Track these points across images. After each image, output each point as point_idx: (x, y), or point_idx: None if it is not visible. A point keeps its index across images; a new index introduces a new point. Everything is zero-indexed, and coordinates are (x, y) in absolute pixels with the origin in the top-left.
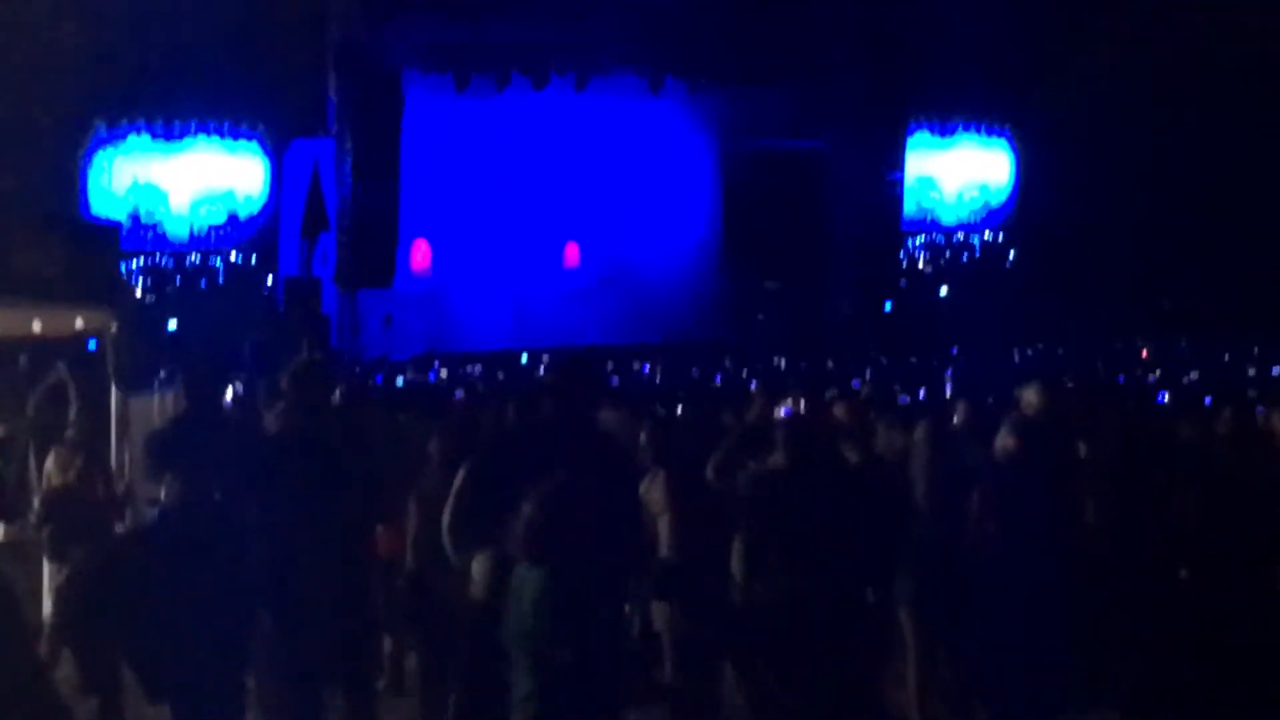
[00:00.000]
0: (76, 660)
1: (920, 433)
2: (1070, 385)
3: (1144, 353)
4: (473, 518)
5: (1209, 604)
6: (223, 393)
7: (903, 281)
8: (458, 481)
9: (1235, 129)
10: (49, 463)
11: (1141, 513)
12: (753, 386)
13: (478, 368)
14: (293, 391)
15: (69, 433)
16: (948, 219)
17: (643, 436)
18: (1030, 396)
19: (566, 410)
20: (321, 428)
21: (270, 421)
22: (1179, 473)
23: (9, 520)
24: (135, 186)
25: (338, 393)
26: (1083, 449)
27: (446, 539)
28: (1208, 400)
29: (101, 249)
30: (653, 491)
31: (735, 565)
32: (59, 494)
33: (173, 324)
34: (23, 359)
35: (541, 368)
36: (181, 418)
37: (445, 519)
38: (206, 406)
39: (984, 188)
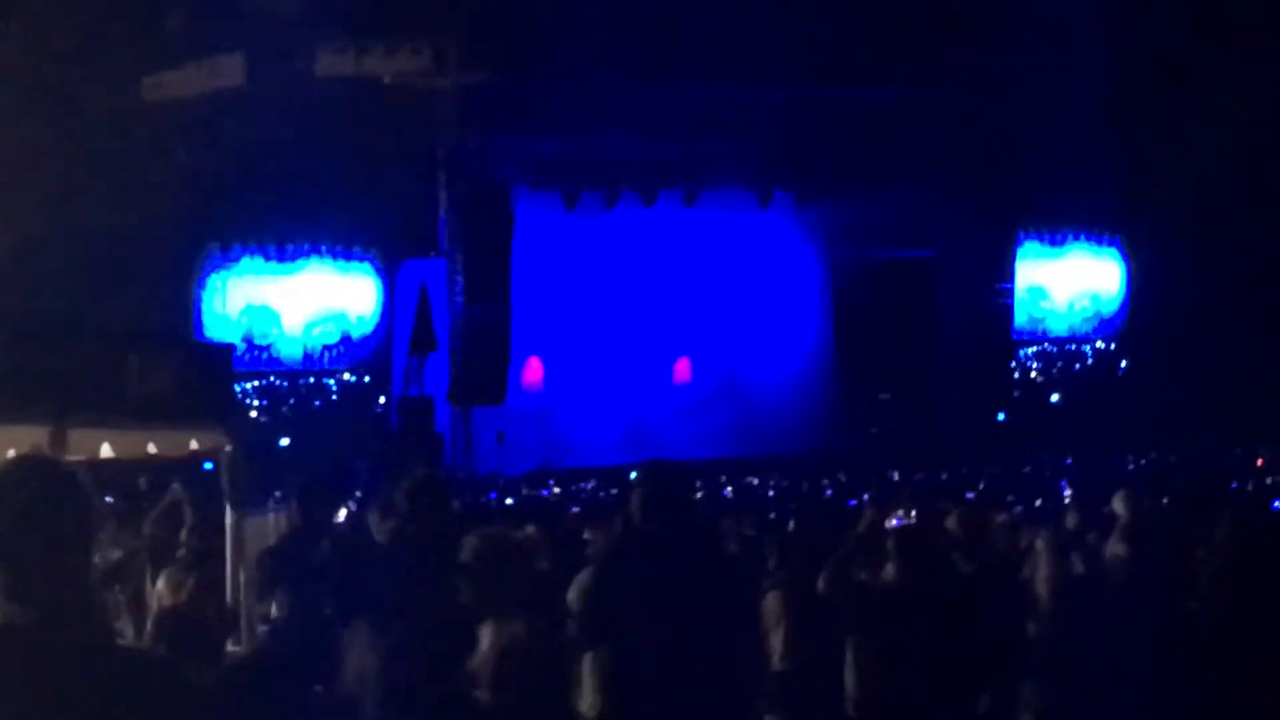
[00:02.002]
0: None
1: (1041, 542)
2: (1180, 491)
3: (1260, 461)
4: (585, 632)
5: None
6: (336, 511)
7: (1015, 391)
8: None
9: None
10: (161, 583)
11: (1257, 618)
12: (865, 497)
13: (590, 483)
14: (408, 508)
15: (181, 552)
16: (1059, 328)
17: (767, 552)
18: (1118, 505)
19: (668, 522)
20: (436, 544)
21: (384, 539)
22: None
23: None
24: (249, 308)
25: (453, 508)
26: (1198, 554)
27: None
28: None
29: (215, 370)
30: (768, 604)
31: (848, 677)
32: (171, 614)
33: (286, 443)
34: (141, 480)
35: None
36: (295, 535)
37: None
38: (320, 524)
39: (1095, 297)
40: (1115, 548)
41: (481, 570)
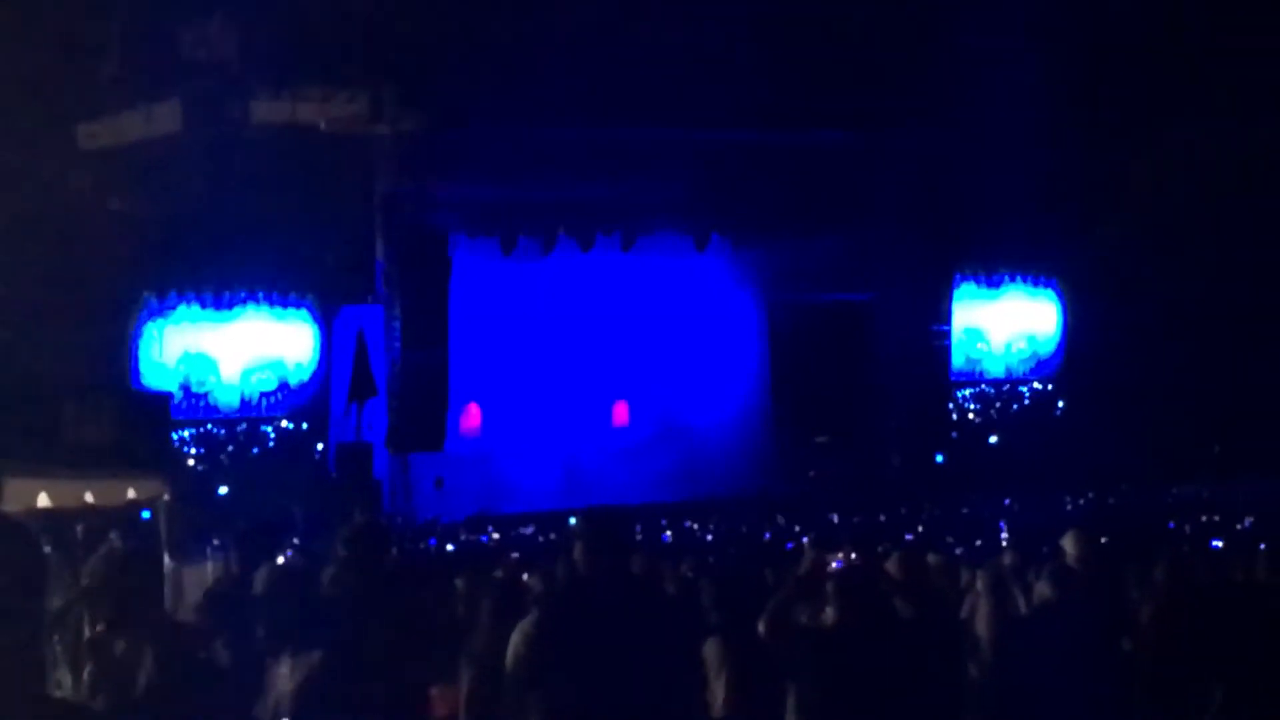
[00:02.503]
0: None
1: (981, 583)
2: (1118, 532)
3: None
4: (528, 679)
5: None
6: (274, 557)
7: (953, 433)
8: (513, 642)
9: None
10: (98, 634)
11: (1193, 656)
12: (804, 541)
13: (530, 528)
14: (348, 554)
15: (120, 602)
16: (996, 370)
17: (704, 596)
18: (1069, 545)
19: (608, 568)
20: (375, 590)
21: (324, 585)
22: (1228, 616)
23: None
24: (186, 356)
25: (391, 555)
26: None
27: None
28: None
29: (152, 419)
30: (708, 651)
31: None
32: (109, 666)
33: (224, 491)
34: (78, 529)
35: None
36: (233, 582)
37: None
38: (258, 571)
39: (1032, 338)
40: (1052, 588)
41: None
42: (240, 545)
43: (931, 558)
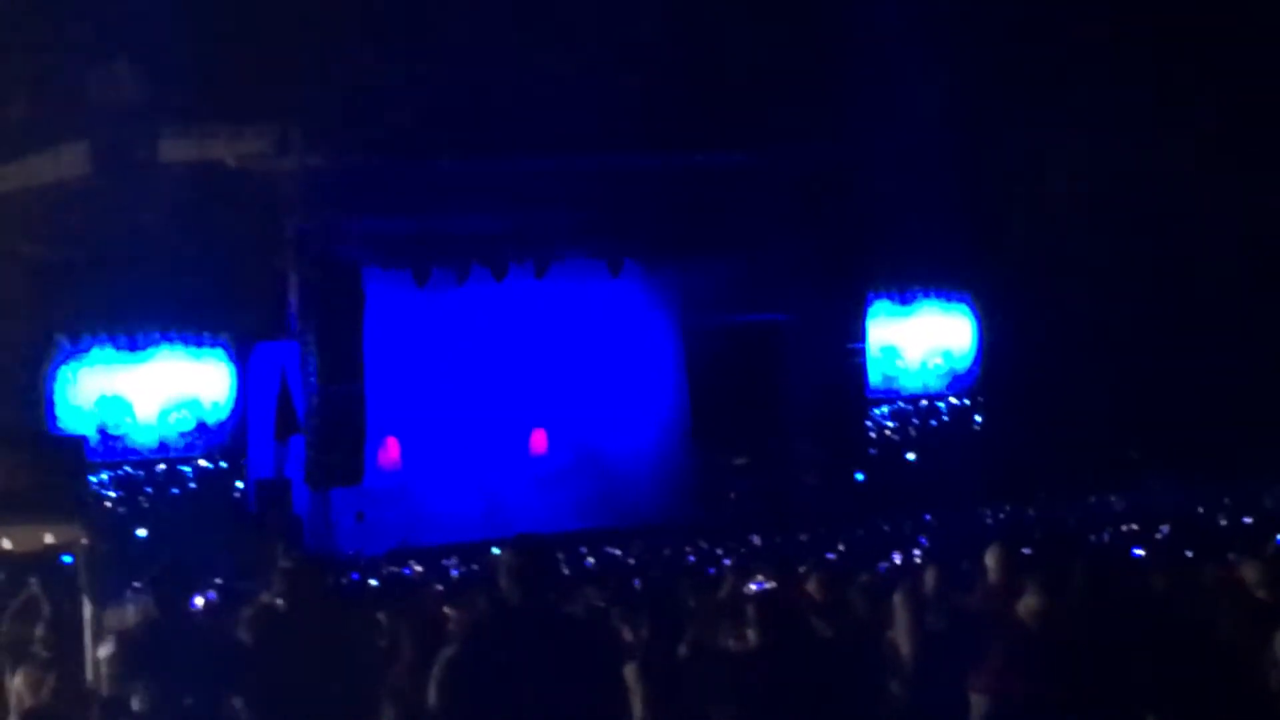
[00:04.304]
0: None
1: (898, 598)
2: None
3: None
4: (450, 711)
5: None
6: (190, 598)
7: (872, 450)
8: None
9: (1185, 282)
10: (18, 681)
11: (1109, 666)
12: (725, 564)
13: (452, 559)
14: (286, 591)
15: (39, 649)
16: (913, 386)
17: (620, 624)
18: (989, 559)
19: (530, 597)
20: (301, 627)
21: (244, 626)
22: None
23: None
24: (101, 399)
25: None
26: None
27: None
28: (1187, 552)
29: (68, 462)
30: (627, 676)
31: None
32: (32, 714)
33: (144, 533)
34: None
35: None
36: (151, 625)
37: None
38: (175, 612)
39: (947, 353)
40: (972, 602)
41: None
42: (155, 587)
43: (853, 577)
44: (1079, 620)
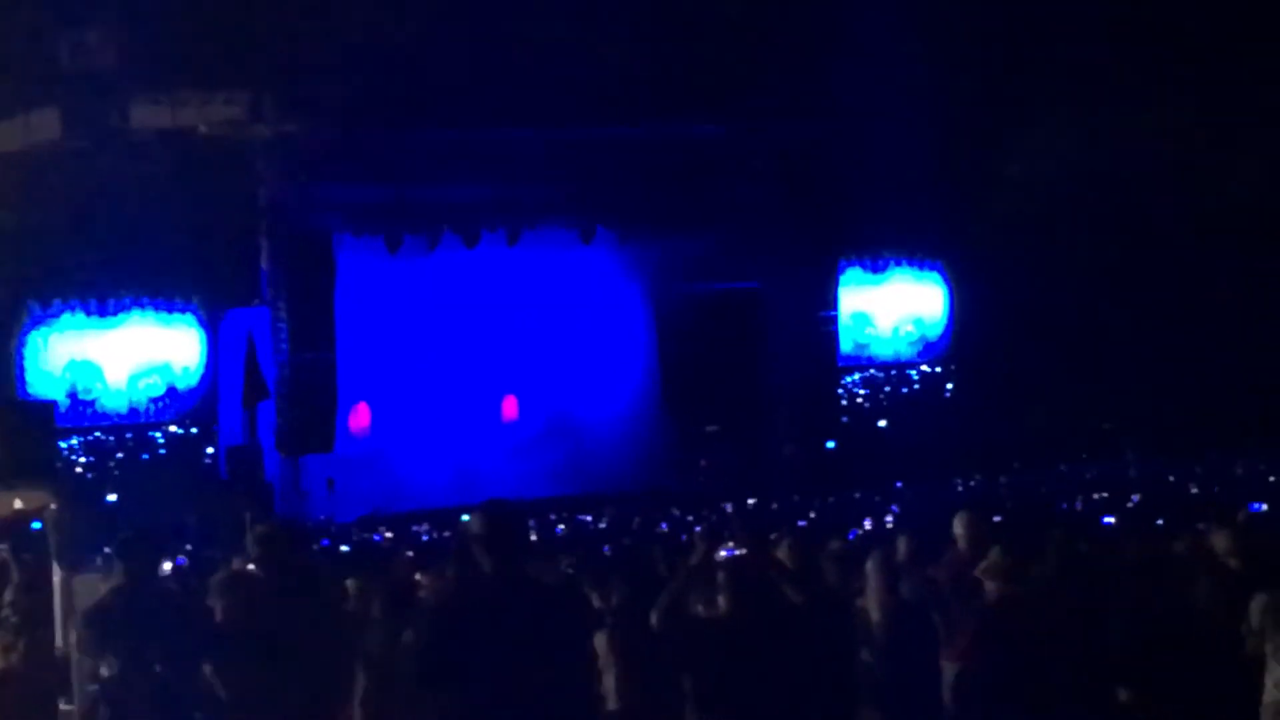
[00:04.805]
0: None
1: (870, 565)
2: (1010, 511)
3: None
4: (422, 678)
5: None
6: (159, 564)
7: (844, 418)
8: (405, 641)
9: (1161, 253)
10: None
11: (1080, 634)
12: (696, 531)
13: (423, 526)
14: (257, 558)
15: (9, 614)
16: (884, 353)
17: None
18: (959, 527)
19: (502, 564)
20: (272, 594)
21: (215, 592)
22: (1119, 593)
23: None
24: (71, 363)
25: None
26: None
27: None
28: (1159, 521)
29: (38, 428)
30: (598, 644)
31: (688, 714)
32: (1, 677)
33: (114, 498)
34: None
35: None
36: (119, 592)
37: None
38: (143, 578)
39: (919, 321)
40: (941, 570)
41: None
42: (124, 553)
43: (824, 545)
44: (1050, 588)
